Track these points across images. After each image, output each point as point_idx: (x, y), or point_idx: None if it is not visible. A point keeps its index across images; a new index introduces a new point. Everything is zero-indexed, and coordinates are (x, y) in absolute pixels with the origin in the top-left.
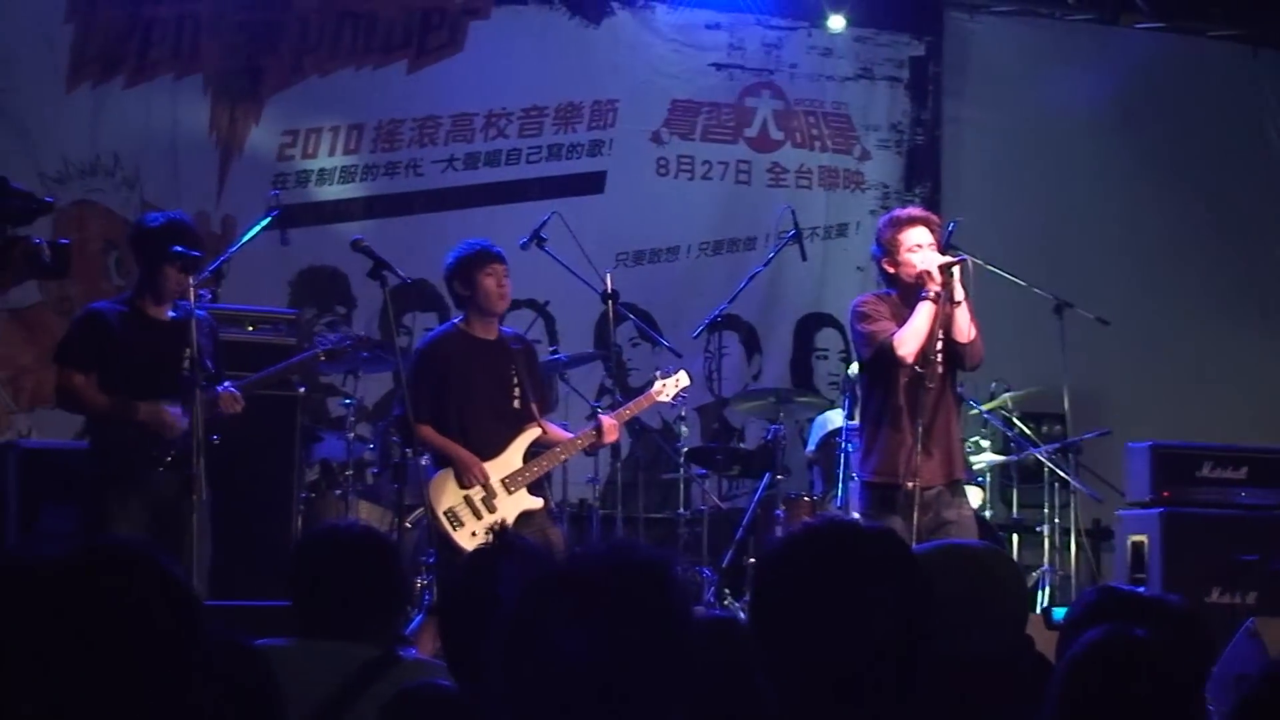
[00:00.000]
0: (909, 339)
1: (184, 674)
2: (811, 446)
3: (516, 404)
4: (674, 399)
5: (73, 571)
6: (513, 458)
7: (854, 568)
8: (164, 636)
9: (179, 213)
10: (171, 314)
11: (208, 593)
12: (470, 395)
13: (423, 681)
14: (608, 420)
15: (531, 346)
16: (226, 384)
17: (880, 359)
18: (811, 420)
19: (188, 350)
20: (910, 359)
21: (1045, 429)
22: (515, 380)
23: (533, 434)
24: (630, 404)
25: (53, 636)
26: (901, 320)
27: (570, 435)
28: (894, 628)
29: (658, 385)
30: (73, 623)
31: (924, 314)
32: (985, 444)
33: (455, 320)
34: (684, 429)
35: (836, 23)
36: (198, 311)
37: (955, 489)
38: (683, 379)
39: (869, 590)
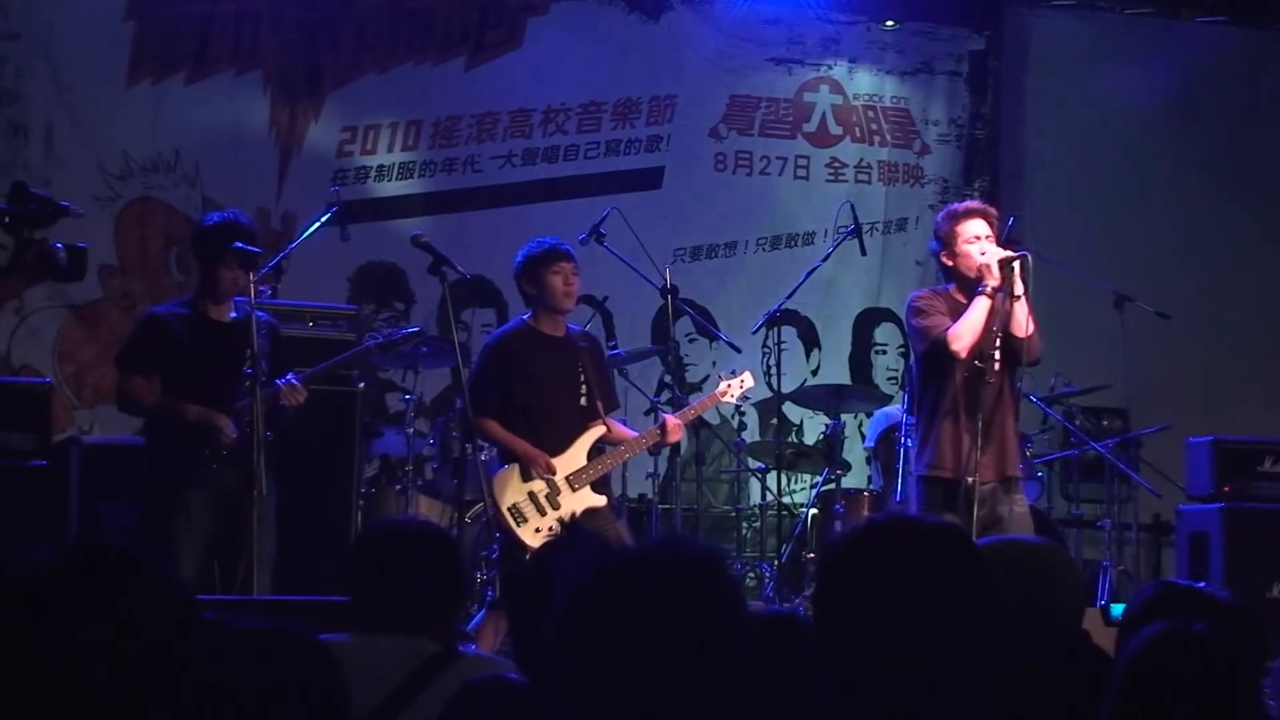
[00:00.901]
0: (964, 333)
1: (176, 672)
2: (870, 441)
3: (583, 401)
4: (738, 400)
5: (60, 575)
6: (578, 455)
7: (918, 563)
8: (154, 636)
9: (235, 211)
10: (233, 315)
11: (270, 587)
12: (538, 392)
13: (490, 674)
14: (672, 420)
15: (599, 344)
16: (289, 376)
17: (935, 353)
18: (870, 415)
19: (249, 351)
20: (964, 354)
21: (1106, 424)
22: (582, 378)
23: (598, 432)
24: (694, 404)
25: (41, 640)
26: (957, 316)
27: (634, 434)
28: (959, 624)
29: (722, 386)
30: (60, 626)
31: (979, 309)
32: (1046, 437)
33: (524, 317)
34: (743, 424)
35: (890, 25)
36: (258, 313)
37: (1009, 485)
38: (748, 380)
39: (934, 585)
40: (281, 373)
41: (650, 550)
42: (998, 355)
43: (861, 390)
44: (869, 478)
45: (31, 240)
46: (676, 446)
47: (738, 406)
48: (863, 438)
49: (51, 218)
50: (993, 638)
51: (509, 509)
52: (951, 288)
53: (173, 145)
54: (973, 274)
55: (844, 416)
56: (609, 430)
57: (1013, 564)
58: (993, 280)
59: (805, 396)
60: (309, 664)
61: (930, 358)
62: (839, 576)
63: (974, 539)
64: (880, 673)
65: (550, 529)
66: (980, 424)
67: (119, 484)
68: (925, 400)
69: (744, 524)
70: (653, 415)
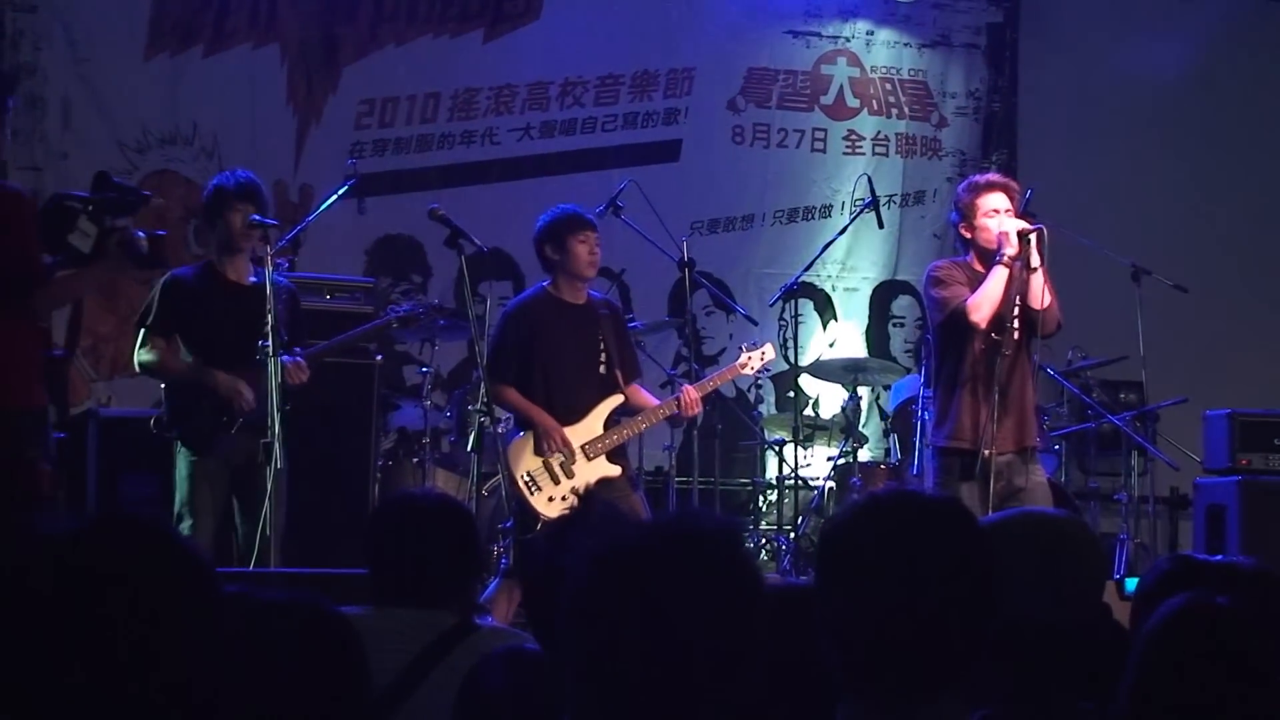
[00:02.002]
0: (982, 303)
1: (197, 645)
2: (888, 414)
3: (602, 370)
4: (758, 372)
5: (81, 546)
6: (594, 424)
7: (917, 538)
8: (175, 609)
9: (245, 172)
10: (252, 279)
11: (283, 560)
12: (556, 359)
13: (509, 645)
14: (690, 392)
15: (620, 312)
16: (297, 351)
17: (953, 324)
18: (888, 388)
19: (268, 317)
20: (983, 324)
21: (1123, 396)
22: (602, 346)
23: (615, 401)
24: (714, 376)
25: (62, 611)
26: (976, 286)
27: (656, 402)
28: (957, 599)
29: (742, 358)
30: (82, 597)
31: (997, 278)
32: (1063, 410)
33: (544, 284)
34: (760, 397)
35: None
36: (279, 278)
37: (1027, 456)
38: (768, 353)
39: (931, 561)
40: (300, 341)
41: (665, 524)
42: (1016, 326)
43: (879, 363)
44: (886, 450)
45: (114, 227)
46: (694, 418)
47: (755, 380)
48: (880, 411)
49: (132, 206)
50: (990, 613)
51: (522, 477)
52: (970, 258)
53: (190, 118)
54: (992, 246)
55: (861, 389)
56: (629, 399)
57: (1032, 537)
58: (1010, 249)
59: (822, 369)
60: (329, 636)
61: (948, 329)
62: (837, 552)
63: (991, 511)
64: (879, 647)
65: (564, 498)
66: (997, 395)
67: (137, 456)
68: (943, 372)
69: (761, 497)
70: (669, 388)
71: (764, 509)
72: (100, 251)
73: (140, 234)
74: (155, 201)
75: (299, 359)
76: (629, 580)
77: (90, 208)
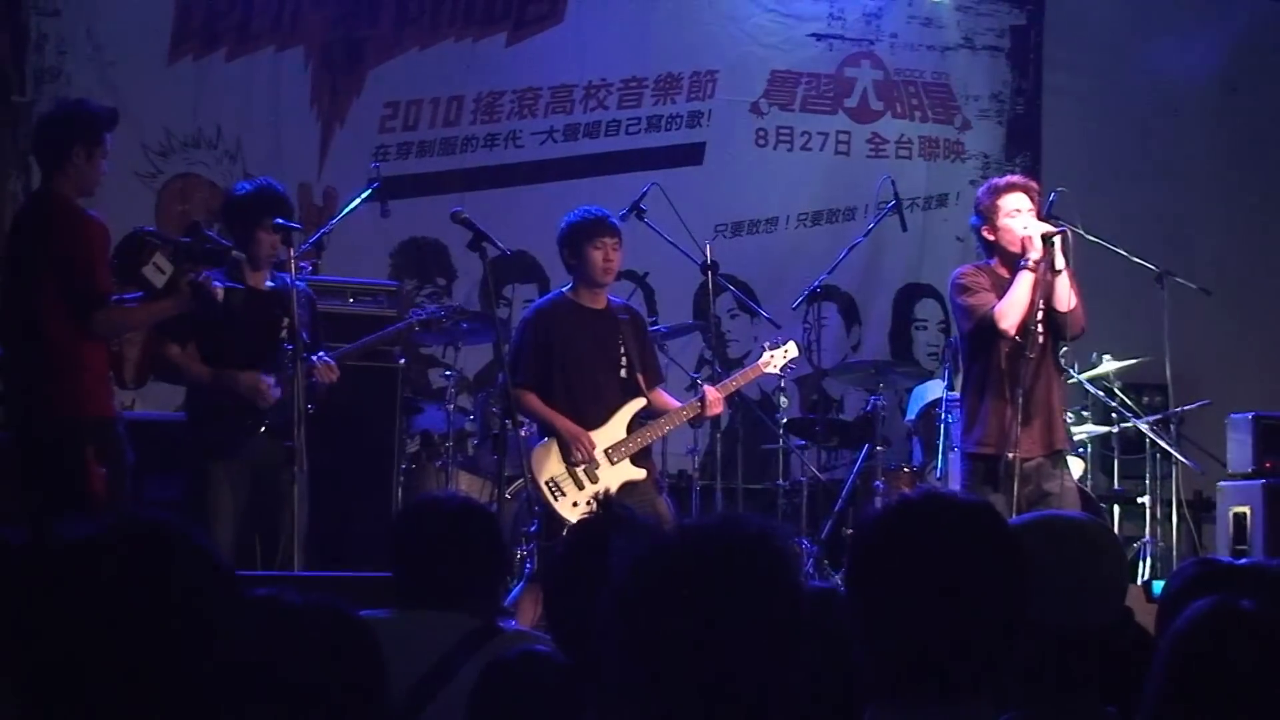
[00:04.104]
0: (1011, 310)
1: (216, 645)
2: (911, 417)
3: (623, 374)
4: (782, 370)
5: (103, 548)
6: (617, 428)
7: (950, 541)
8: (195, 609)
9: (268, 179)
10: (270, 284)
11: (306, 563)
12: (576, 364)
13: (521, 648)
14: (712, 392)
15: (639, 317)
16: (321, 353)
17: (982, 331)
18: (911, 391)
19: (286, 320)
20: (1012, 330)
21: (1147, 400)
22: (622, 350)
23: (638, 404)
24: (736, 375)
25: (84, 612)
26: (1001, 291)
27: (679, 404)
28: (989, 602)
29: (765, 356)
30: (104, 598)
31: (1024, 283)
32: (1086, 414)
33: (563, 289)
34: (783, 400)
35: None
36: (296, 283)
37: (1056, 460)
38: (791, 350)
39: (964, 564)
40: (318, 345)
41: (707, 526)
42: (1040, 330)
43: (902, 366)
44: (909, 454)
45: (186, 271)
46: (717, 421)
47: (779, 383)
48: (903, 414)
49: (215, 257)
50: (1021, 616)
51: (547, 483)
52: (994, 262)
53: (214, 121)
54: (1015, 247)
55: (884, 392)
56: (652, 402)
57: (1055, 540)
58: (1035, 253)
59: (846, 372)
60: (347, 641)
61: (976, 335)
62: (870, 554)
63: (1016, 514)
64: (909, 649)
65: (588, 503)
66: (1022, 399)
67: (162, 459)
68: (970, 377)
69: (784, 500)
70: (694, 392)
71: (787, 512)
72: (173, 289)
73: (218, 283)
74: (236, 254)
75: (328, 359)
76: (672, 583)
77: (171, 247)
